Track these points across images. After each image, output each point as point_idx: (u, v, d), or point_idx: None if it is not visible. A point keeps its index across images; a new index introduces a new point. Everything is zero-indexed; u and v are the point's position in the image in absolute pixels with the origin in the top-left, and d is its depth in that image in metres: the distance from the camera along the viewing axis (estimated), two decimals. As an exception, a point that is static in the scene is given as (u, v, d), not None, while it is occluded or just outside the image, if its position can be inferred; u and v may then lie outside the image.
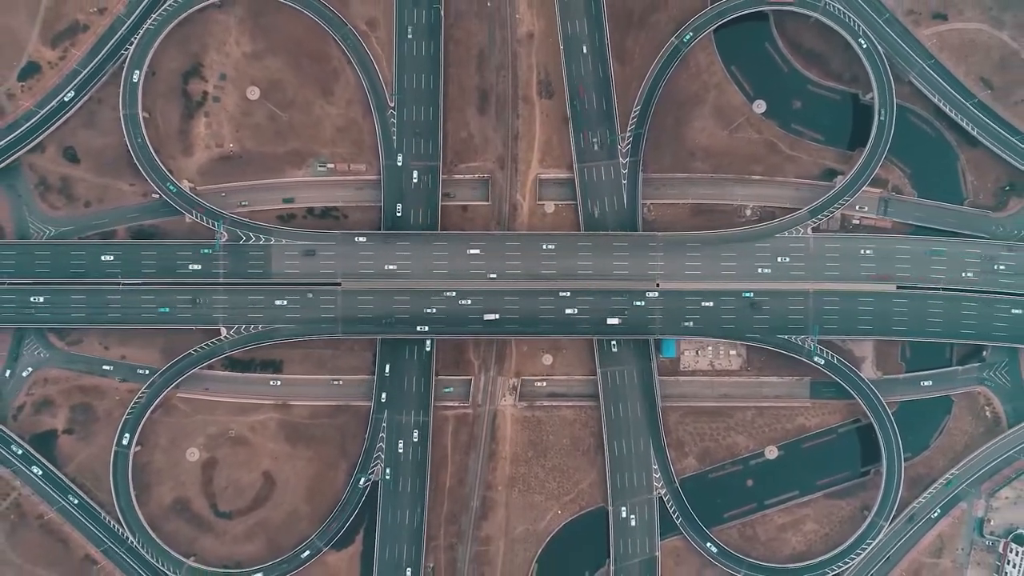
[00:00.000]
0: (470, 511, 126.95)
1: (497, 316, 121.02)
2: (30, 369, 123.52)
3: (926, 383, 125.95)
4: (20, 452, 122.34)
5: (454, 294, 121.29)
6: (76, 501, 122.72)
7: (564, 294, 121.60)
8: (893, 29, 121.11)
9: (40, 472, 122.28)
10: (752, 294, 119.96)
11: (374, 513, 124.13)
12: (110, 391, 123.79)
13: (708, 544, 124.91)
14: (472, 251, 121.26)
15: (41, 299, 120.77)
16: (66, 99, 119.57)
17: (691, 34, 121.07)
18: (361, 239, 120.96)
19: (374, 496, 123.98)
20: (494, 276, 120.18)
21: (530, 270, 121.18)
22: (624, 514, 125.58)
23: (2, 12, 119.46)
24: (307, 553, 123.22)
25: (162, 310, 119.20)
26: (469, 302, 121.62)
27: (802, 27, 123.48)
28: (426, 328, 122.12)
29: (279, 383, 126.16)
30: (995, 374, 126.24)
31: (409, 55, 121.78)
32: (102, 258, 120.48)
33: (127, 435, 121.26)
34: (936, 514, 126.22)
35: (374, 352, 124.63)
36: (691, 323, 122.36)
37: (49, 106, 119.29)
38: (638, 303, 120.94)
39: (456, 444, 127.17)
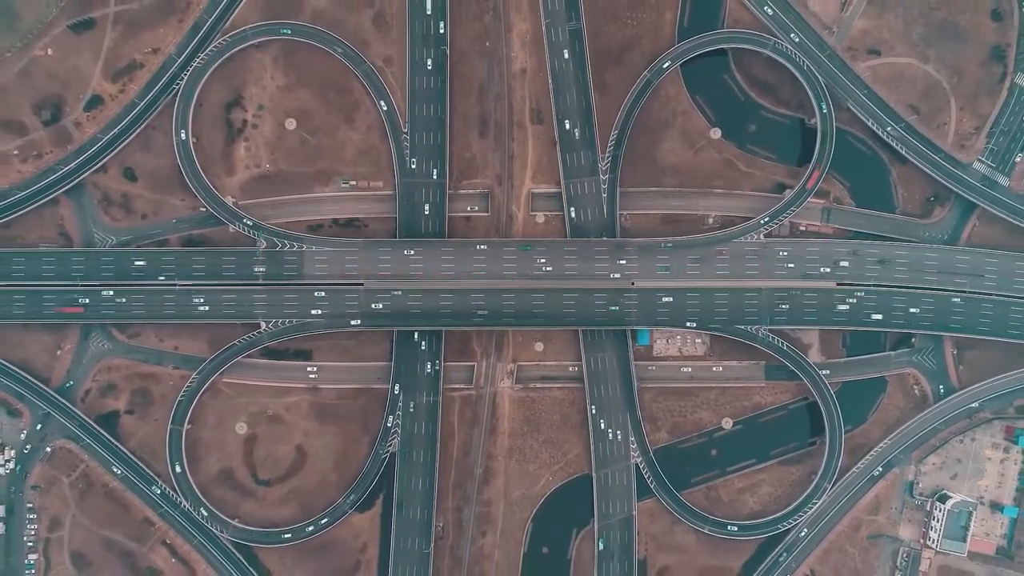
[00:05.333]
0: (474, 478, 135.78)
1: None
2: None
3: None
4: (88, 430, 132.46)
5: (460, 292, 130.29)
6: (136, 471, 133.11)
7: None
8: (833, 63, 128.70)
9: (105, 447, 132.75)
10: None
11: (392, 480, 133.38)
12: (165, 377, 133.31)
13: (677, 504, 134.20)
14: (475, 255, 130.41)
15: (107, 297, 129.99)
16: (125, 127, 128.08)
17: (660, 68, 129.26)
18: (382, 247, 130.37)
19: (392, 466, 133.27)
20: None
21: (524, 271, 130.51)
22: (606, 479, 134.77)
23: (70, 54, 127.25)
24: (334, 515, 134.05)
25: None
26: (473, 299, 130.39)
27: (756, 62, 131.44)
28: (436, 321, 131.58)
29: (312, 370, 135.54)
30: (923, 358, 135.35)
31: (420, 88, 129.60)
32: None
33: (180, 415, 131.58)
34: (876, 474, 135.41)
35: (391, 342, 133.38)
36: (662, 316, 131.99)
37: (111, 133, 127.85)
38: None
39: (462, 421, 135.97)
